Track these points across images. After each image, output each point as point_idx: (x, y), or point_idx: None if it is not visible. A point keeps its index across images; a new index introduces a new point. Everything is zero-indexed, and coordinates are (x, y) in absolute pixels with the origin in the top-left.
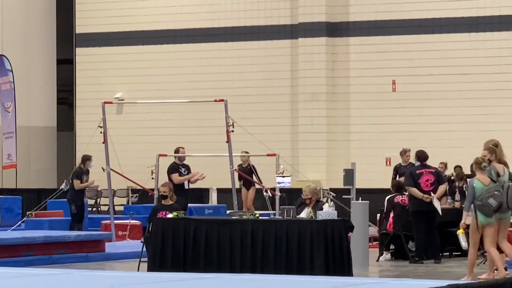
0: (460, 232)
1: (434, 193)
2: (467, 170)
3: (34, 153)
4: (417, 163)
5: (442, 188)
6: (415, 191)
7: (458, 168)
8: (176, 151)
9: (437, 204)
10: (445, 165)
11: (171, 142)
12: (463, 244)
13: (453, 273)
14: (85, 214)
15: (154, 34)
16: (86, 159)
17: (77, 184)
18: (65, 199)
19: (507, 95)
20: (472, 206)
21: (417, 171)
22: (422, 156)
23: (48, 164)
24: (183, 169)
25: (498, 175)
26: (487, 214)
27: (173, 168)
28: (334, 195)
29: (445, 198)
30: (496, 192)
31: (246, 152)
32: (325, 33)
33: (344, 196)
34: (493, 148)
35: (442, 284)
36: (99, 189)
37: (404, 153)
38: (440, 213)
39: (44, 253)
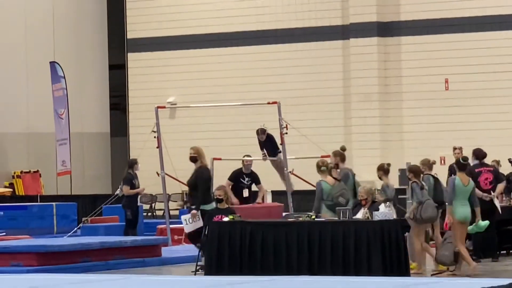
0: None
1: (493, 191)
2: None
3: (88, 159)
4: (475, 162)
5: (501, 186)
6: None
7: None
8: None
9: (497, 203)
10: (497, 163)
11: (225, 146)
12: None
13: (511, 272)
14: (139, 220)
15: (205, 37)
16: (133, 163)
17: (126, 190)
18: (120, 205)
19: None
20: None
21: (476, 170)
22: (480, 154)
23: (102, 170)
24: (246, 178)
25: (354, 176)
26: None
27: (235, 174)
28: None
29: (500, 196)
30: (344, 191)
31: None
32: (376, 33)
33: (400, 196)
34: (340, 152)
35: (503, 283)
36: (154, 194)
37: (453, 150)
38: (500, 212)
39: (101, 259)
